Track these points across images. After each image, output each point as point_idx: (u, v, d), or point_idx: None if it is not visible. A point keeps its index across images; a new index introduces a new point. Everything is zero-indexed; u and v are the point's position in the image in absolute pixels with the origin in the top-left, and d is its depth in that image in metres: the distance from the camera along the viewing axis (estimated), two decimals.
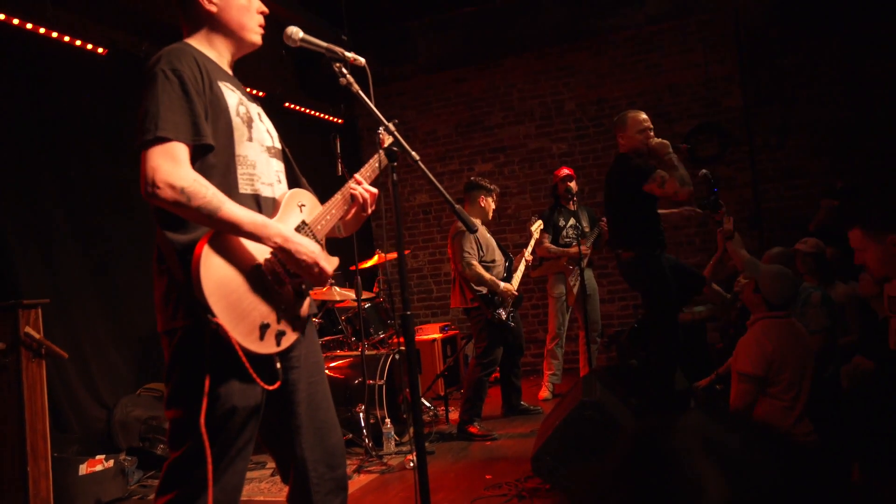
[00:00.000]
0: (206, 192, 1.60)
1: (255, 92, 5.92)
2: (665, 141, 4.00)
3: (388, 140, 2.09)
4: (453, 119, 7.53)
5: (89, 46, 4.53)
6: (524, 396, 5.22)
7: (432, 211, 7.60)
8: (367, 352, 4.49)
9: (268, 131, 1.92)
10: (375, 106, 2.02)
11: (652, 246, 3.87)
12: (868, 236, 2.46)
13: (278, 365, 1.75)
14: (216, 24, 1.86)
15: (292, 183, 2.00)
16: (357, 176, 2.05)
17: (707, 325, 5.69)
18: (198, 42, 1.85)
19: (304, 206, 1.92)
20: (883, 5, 6.00)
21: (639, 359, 4.39)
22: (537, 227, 5.29)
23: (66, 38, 4.38)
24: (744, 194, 6.66)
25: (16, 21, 4.11)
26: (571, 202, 5.62)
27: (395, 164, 2.03)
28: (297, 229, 1.84)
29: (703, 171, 4.44)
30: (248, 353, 1.63)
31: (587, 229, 5.60)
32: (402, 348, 4.55)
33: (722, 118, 6.65)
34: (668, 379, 3.79)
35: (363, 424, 4.30)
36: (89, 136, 4.61)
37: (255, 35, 1.92)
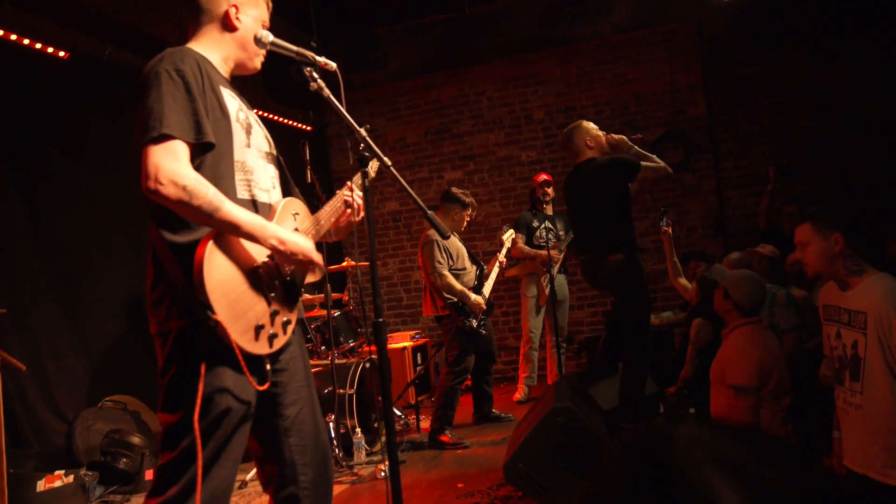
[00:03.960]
0: (207, 191, 1.63)
1: None
2: (622, 136, 4.04)
3: (372, 169, 2.20)
4: (423, 126, 7.52)
5: (50, 49, 4.41)
6: (496, 404, 5.21)
7: (402, 219, 7.57)
8: (337, 360, 4.44)
9: (265, 137, 1.97)
10: (345, 112, 2.00)
11: (635, 247, 3.86)
12: (815, 231, 2.43)
13: (268, 366, 1.79)
14: (231, 41, 1.91)
15: (285, 190, 2.04)
16: (350, 183, 2.13)
17: (675, 331, 5.77)
18: (203, 48, 1.88)
19: (297, 214, 1.98)
20: (840, 18, 6.17)
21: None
22: (508, 235, 5.32)
23: (26, 41, 4.27)
24: (709, 201, 6.77)
25: None
26: (548, 206, 5.75)
27: (367, 169, 2.02)
28: None
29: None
30: (242, 352, 1.66)
31: (562, 234, 5.69)
32: (374, 356, 4.51)
33: (687, 126, 6.76)
34: (641, 384, 3.80)
35: (333, 434, 4.23)
36: (50, 140, 4.48)
37: (259, 61, 2.00)
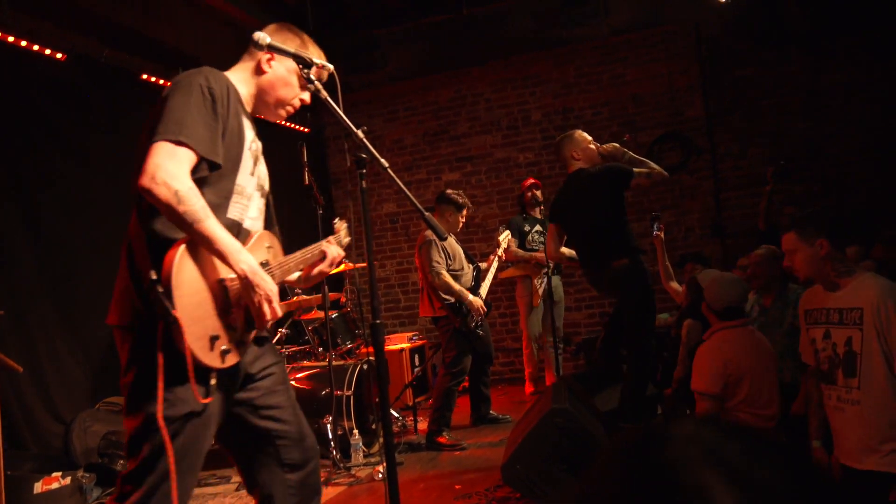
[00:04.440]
0: (196, 201, 1.66)
1: None
2: (615, 144, 4.03)
3: (340, 230, 2.32)
4: (420, 128, 7.52)
5: (48, 51, 4.41)
6: (493, 405, 5.21)
7: (399, 220, 7.57)
8: (334, 362, 4.44)
9: (265, 173, 2.04)
10: (342, 114, 2.01)
11: (638, 251, 3.87)
12: (800, 239, 2.52)
13: (213, 381, 1.74)
14: (260, 83, 2.01)
15: (267, 225, 2.08)
16: (331, 238, 2.18)
17: (672, 332, 5.78)
18: (235, 78, 1.96)
19: (270, 247, 2.00)
20: (836, 20, 6.19)
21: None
22: (505, 237, 5.33)
23: (24, 43, 4.26)
24: (707, 202, 6.77)
25: None
26: (537, 210, 5.83)
27: (364, 171, 2.03)
28: (261, 265, 1.86)
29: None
30: (194, 359, 1.64)
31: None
32: (371, 358, 4.51)
33: (685, 127, 6.77)
34: (643, 386, 3.80)
35: (331, 436, 4.23)
36: (48, 141, 4.48)
37: (284, 112, 2.08)
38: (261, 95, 2.01)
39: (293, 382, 4.53)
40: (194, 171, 1.72)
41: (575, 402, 3.43)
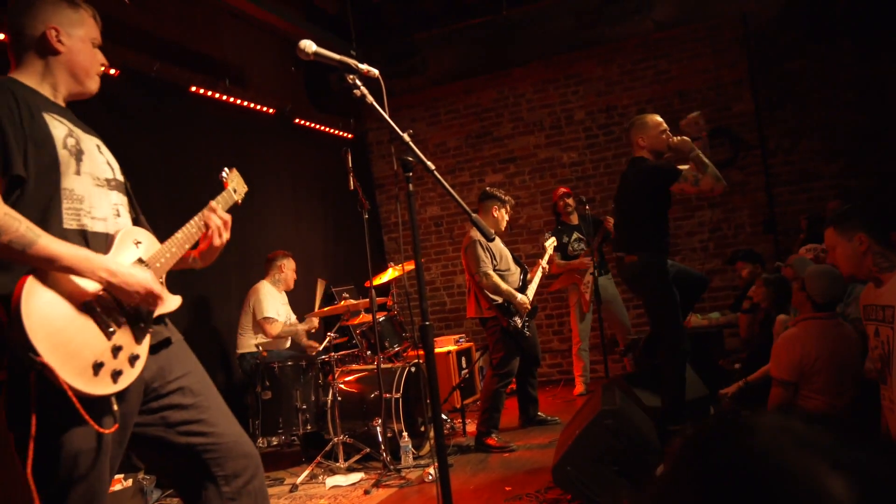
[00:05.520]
0: (18, 225, 1.52)
1: (265, 109, 5.96)
2: (686, 137, 3.94)
3: (231, 182, 2.10)
4: (463, 130, 7.53)
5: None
6: (541, 407, 5.18)
7: (444, 223, 7.59)
8: (382, 365, 4.48)
9: (108, 163, 1.87)
10: (389, 118, 2.03)
11: (657, 251, 3.80)
12: (839, 234, 2.48)
13: (115, 407, 1.64)
14: (59, 64, 1.81)
15: (134, 218, 1.95)
16: (212, 203, 2.00)
17: (724, 332, 5.65)
18: (27, 77, 1.79)
19: (140, 243, 1.84)
20: (886, 8, 5.97)
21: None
22: (550, 243, 5.30)
23: None
24: (757, 198, 6.61)
25: None
26: (572, 216, 5.99)
27: (411, 174, 2.05)
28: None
29: None
30: (80, 394, 1.53)
31: (585, 239, 5.85)
32: (420, 361, 4.53)
33: (733, 123, 6.62)
34: (679, 387, 3.74)
35: (381, 439, 4.27)
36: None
37: (94, 83, 1.90)
38: (63, 76, 1.82)
39: (342, 386, 4.59)
40: (6, 196, 1.58)
41: (626, 402, 3.39)
